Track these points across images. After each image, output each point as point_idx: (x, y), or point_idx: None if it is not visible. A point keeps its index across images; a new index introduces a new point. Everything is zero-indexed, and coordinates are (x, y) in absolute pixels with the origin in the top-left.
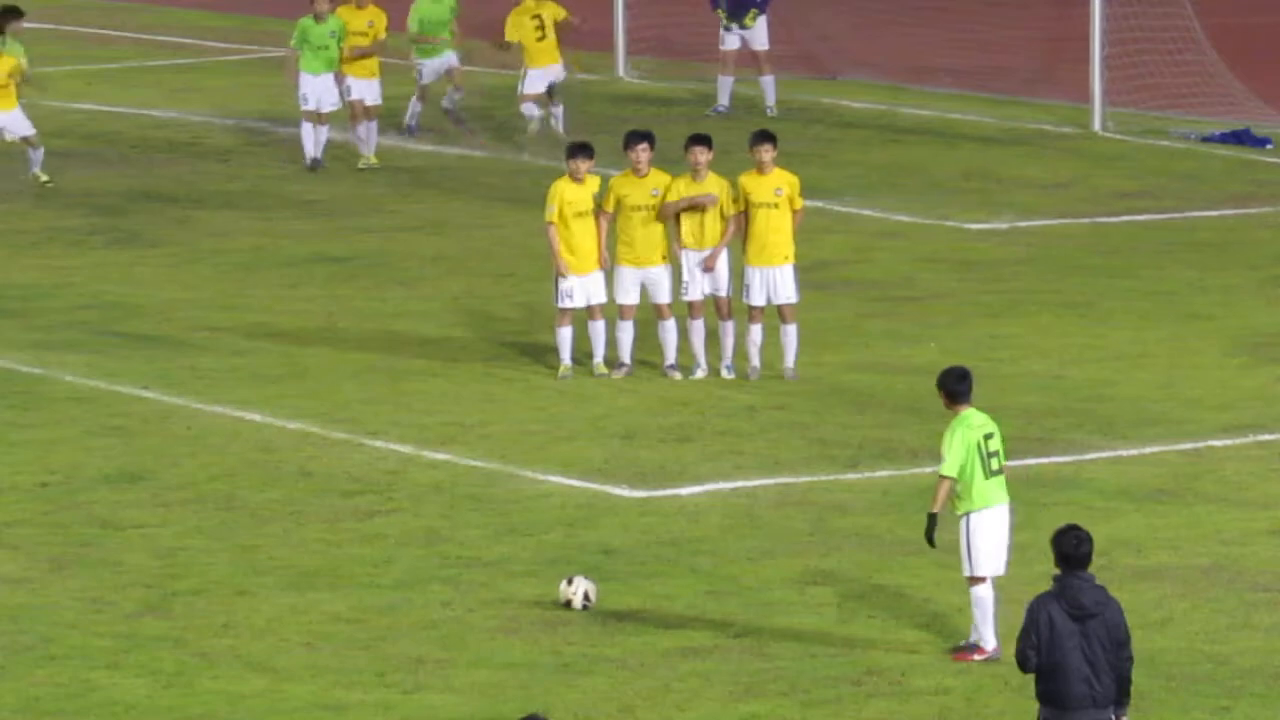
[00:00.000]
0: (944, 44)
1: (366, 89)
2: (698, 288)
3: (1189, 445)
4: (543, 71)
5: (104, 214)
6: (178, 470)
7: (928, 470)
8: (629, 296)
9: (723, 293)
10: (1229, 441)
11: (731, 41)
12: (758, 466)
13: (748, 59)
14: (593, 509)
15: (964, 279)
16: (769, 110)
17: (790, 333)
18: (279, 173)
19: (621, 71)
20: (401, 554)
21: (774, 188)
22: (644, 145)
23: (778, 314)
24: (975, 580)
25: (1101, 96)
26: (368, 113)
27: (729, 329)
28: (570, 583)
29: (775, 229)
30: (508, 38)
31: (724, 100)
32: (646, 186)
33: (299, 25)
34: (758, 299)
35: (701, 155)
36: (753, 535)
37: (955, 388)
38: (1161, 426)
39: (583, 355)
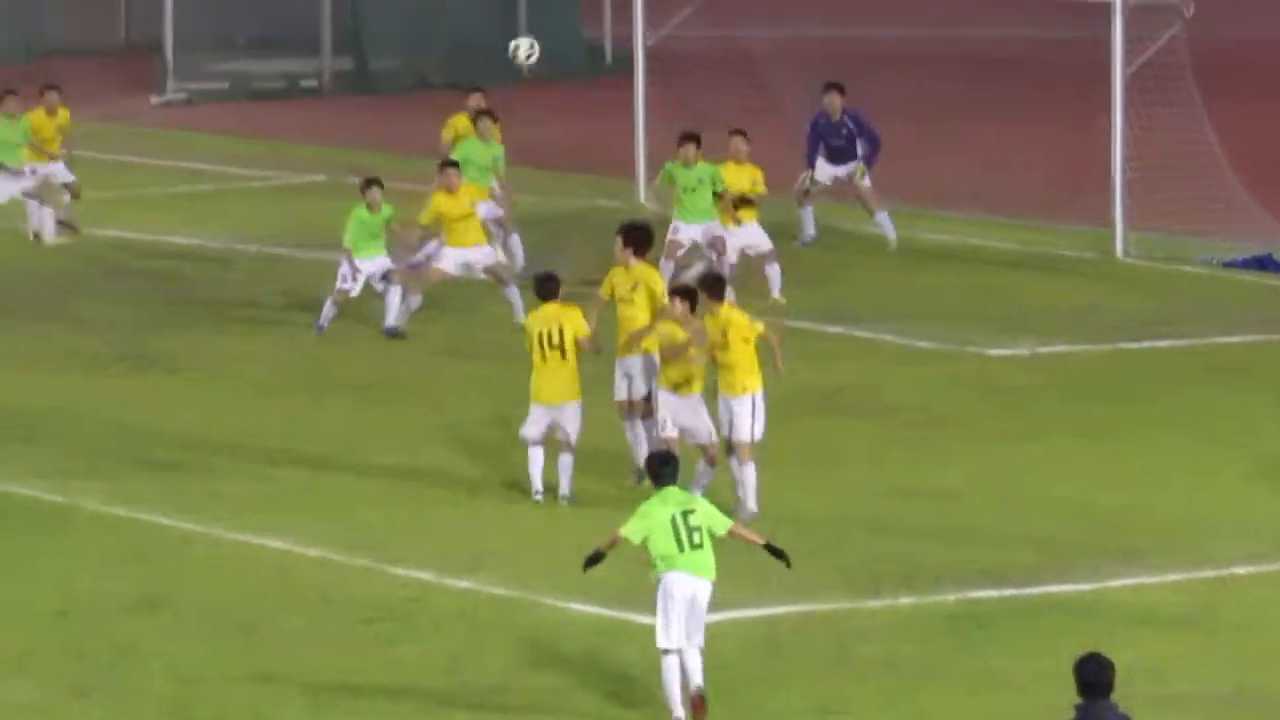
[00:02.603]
0: (965, 168)
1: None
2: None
3: (1211, 572)
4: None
5: (126, 339)
6: (198, 597)
7: (951, 597)
8: (621, 392)
9: (703, 440)
10: (1252, 569)
11: (823, 176)
12: (777, 593)
13: (826, 192)
14: (614, 635)
15: (985, 404)
16: (891, 244)
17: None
18: (301, 298)
19: (642, 199)
20: (423, 682)
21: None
22: (617, 239)
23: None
24: (664, 651)
25: (1123, 221)
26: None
27: (715, 471)
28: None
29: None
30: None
31: (810, 230)
32: (630, 280)
33: (353, 217)
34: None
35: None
36: (773, 662)
37: (659, 470)
38: (1184, 553)
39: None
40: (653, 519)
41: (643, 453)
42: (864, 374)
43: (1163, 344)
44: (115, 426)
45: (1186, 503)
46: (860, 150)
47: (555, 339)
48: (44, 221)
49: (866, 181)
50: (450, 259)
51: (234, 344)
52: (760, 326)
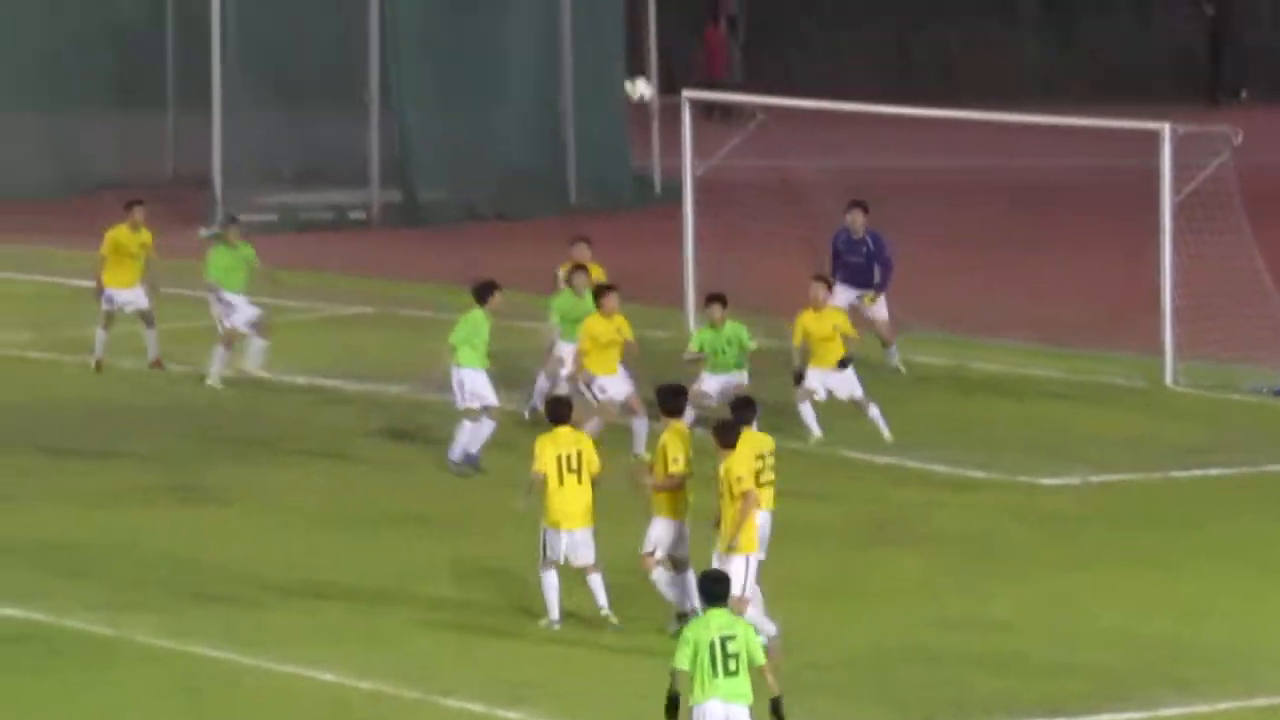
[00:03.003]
0: (1014, 297)
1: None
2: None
3: (1264, 700)
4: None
5: (176, 471)
6: None
7: None
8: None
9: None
10: None
11: (839, 301)
12: None
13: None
14: None
15: (1036, 533)
16: (899, 369)
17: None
18: (352, 429)
19: (691, 327)
20: None
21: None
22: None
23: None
24: None
25: (1172, 350)
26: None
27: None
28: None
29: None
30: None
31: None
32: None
33: (468, 320)
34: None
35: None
36: None
37: (711, 589)
38: (1236, 681)
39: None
40: (696, 642)
41: (681, 597)
42: (915, 503)
43: (1213, 472)
44: (165, 559)
45: (1238, 631)
46: (876, 274)
47: (574, 463)
48: (252, 356)
49: (882, 312)
50: (610, 392)
51: (284, 475)
52: (748, 484)
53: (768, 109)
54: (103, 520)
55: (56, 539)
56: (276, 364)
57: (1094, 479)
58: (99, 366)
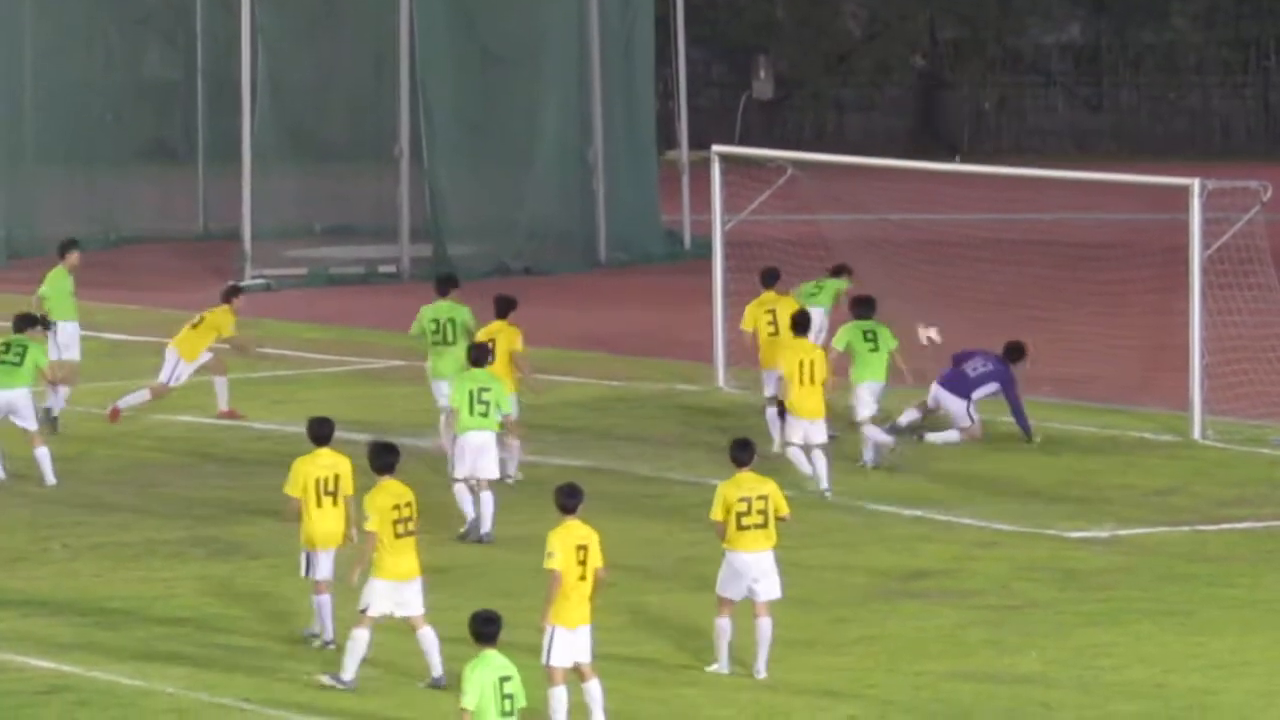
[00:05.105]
0: (1043, 353)
1: None
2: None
3: None
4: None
5: (204, 526)
6: None
7: None
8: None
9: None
10: None
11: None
12: None
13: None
14: None
15: (1064, 587)
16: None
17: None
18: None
19: (721, 382)
20: None
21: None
22: None
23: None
24: None
25: (1201, 405)
26: None
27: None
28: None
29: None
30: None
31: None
32: None
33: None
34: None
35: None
36: None
37: (481, 630)
38: None
39: None
40: (480, 683)
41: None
42: (943, 558)
43: (1241, 526)
44: (194, 612)
45: (1267, 686)
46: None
47: (330, 485)
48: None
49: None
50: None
51: None
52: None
53: (798, 164)
54: (132, 573)
55: (86, 592)
56: (304, 417)
57: (1122, 533)
58: (114, 415)
